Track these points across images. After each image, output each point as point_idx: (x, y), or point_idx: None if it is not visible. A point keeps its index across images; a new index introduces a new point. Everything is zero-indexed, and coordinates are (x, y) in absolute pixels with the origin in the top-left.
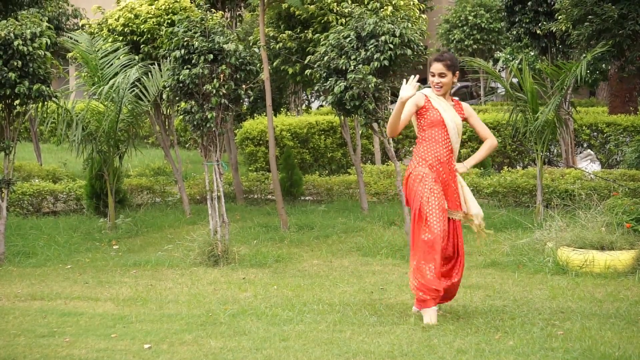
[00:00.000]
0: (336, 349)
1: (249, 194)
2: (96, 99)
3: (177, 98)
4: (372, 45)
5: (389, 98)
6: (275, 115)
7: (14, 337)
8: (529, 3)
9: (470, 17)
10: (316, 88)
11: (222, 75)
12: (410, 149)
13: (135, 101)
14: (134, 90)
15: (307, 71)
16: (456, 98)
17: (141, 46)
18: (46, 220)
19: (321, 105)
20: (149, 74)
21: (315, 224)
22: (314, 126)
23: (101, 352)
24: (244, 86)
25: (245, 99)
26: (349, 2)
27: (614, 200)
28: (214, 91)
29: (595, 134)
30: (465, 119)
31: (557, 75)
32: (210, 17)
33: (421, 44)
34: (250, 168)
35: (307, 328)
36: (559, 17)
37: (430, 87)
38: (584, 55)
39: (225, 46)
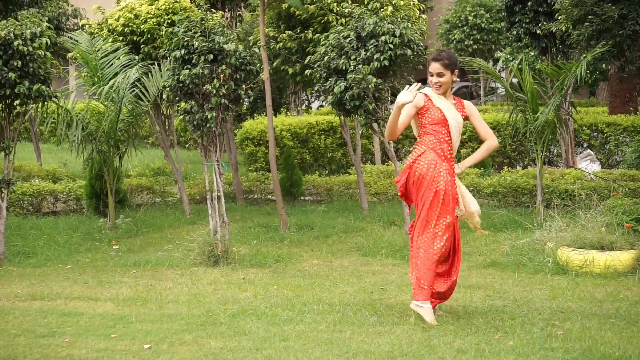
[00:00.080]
0: (336, 349)
1: (249, 194)
2: (96, 99)
3: (177, 98)
4: (372, 46)
5: (389, 98)
6: (275, 115)
7: (14, 337)
8: (529, 3)
9: (470, 17)
10: (316, 88)
11: (222, 75)
12: (411, 149)
13: (135, 101)
14: (134, 90)
15: (307, 71)
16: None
17: (141, 46)
18: (46, 220)
19: (321, 106)
20: (149, 74)
21: (315, 224)
22: (314, 126)
23: (101, 352)
24: (244, 86)
25: (245, 99)
26: (349, 2)
27: (614, 200)
28: (214, 91)
29: (595, 134)
30: (466, 118)
31: (557, 75)
32: (210, 17)
33: (421, 44)
34: (250, 168)
35: (307, 328)
36: (559, 17)
37: (429, 86)
38: (584, 55)
39: (225, 46)
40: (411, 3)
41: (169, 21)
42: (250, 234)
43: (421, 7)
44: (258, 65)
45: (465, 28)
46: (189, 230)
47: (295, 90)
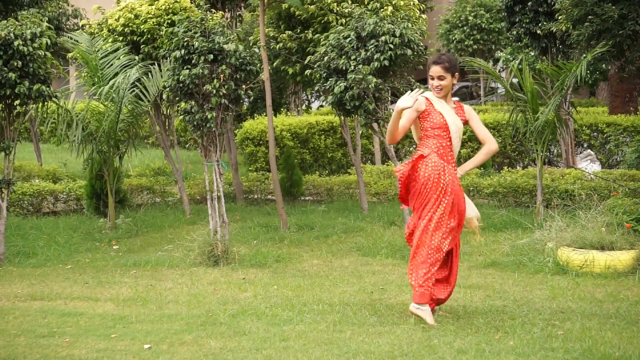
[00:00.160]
0: (336, 349)
1: (249, 194)
2: (96, 99)
3: (177, 98)
4: (372, 46)
5: (389, 98)
6: (275, 115)
7: (14, 337)
8: (529, 3)
9: (470, 17)
10: (316, 88)
11: (222, 76)
12: (411, 149)
13: (135, 101)
14: (134, 91)
15: (307, 71)
16: (456, 99)
17: (141, 46)
18: (46, 220)
19: (321, 106)
20: (149, 74)
21: (315, 224)
22: (314, 126)
23: (101, 353)
24: (244, 86)
25: (245, 99)
26: (349, 2)
27: (614, 200)
28: (214, 91)
29: (595, 134)
30: (466, 122)
31: (557, 76)
32: (210, 17)
33: (421, 44)
34: (250, 168)
35: (307, 328)
36: (559, 17)
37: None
38: (584, 55)
39: (225, 46)
40: (411, 3)
41: (169, 21)
42: (250, 234)
43: (421, 7)
44: (258, 65)
45: (465, 28)
46: (189, 230)
47: (295, 91)
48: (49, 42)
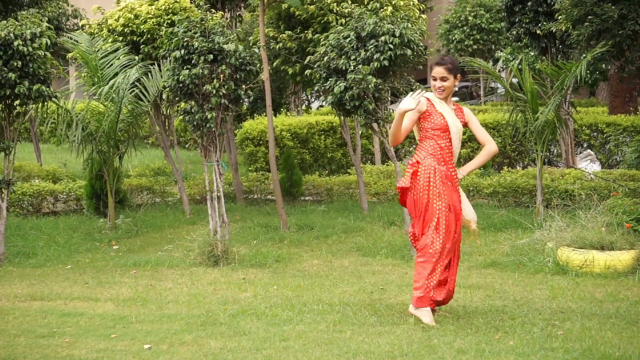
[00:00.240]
0: (336, 349)
1: (249, 194)
2: (96, 99)
3: (177, 98)
4: (372, 46)
5: (389, 98)
6: (275, 115)
7: (14, 338)
8: (529, 3)
9: (470, 18)
10: (316, 88)
11: (222, 76)
12: (410, 149)
13: (135, 101)
14: (133, 91)
15: (307, 71)
16: (456, 99)
17: (141, 46)
18: (46, 220)
19: (321, 106)
20: (149, 74)
21: (315, 224)
22: (314, 126)
23: (101, 353)
24: (244, 86)
25: (245, 99)
26: (349, 2)
27: (614, 200)
28: (214, 91)
29: (595, 134)
30: (465, 124)
31: (557, 76)
32: (210, 17)
33: (421, 44)
34: (250, 168)
35: (307, 328)
36: (559, 17)
37: (430, 90)
38: (584, 55)
39: (225, 46)
40: (411, 3)
41: (169, 21)
42: (250, 234)
43: (421, 7)
44: (258, 65)
45: (465, 28)
46: (189, 231)
47: (295, 91)
48: (48, 42)
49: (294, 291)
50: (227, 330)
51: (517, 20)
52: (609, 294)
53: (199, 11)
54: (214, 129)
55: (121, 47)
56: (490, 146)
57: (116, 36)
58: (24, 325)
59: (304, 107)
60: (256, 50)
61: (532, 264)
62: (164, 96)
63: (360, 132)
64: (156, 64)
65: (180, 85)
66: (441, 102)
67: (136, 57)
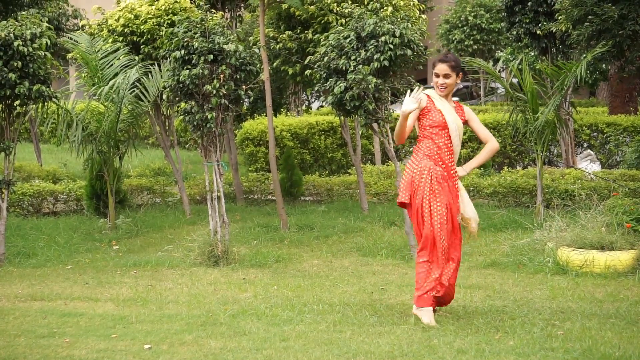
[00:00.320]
0: (336, 349)
1: (249, 194)
2: (96, 100)
3: (177, 98)
4: (372, 46)
5: (389, 98)
6: (275, 115)
7: (14, 338)
8: (529, 3)
9: (470, 18)
10: (316, 88)
11: (222, 76)
12: (411, 149)
13: (135, 102)
14: (134, 91)
15: (307, 71)
16: (456, 99)
17: (141, 47)
18: (46, 220)
19: (321, 106)
20: (149, 74)
21: (315, 224)
22: (314, 126)
23: (101, 353)
24: (244, 86)
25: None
26: (349, 2)
27: (614, 200)
28: (214, 91)
29: (595, 134)
30: (465, 122)
31: (557, 76)
32: (210, 17)
33: (421, 44)
34: (250, 168)
35: (307, 328)
36: (559, 18)
37: (431, 87)
38: (584, 55)
39: (225, 47)
40: (411, 3)
41: (169, 22)
42: (250, 234)
43: (421, 7)
44: (258, 65)
45: (465, 28)
46: (189, 231)
47: (295, 91)
48: (48, 42)
49: (294, 291)
50: (227, 331)
51: (517, 20)
52: (609, 294)
53: (199, 11)
54: (214, 129)
55: (121, 47)
56: (492, 144)
57: (116, 36)
58: (24, 325)
59: (304, 107)
60: (256, 50)
61: (532, 264)
62: (164, 96)
63: (360, 132)
64: (156, 64)
65: (181, 85)
66: (441, 99)
67: (136, 58)
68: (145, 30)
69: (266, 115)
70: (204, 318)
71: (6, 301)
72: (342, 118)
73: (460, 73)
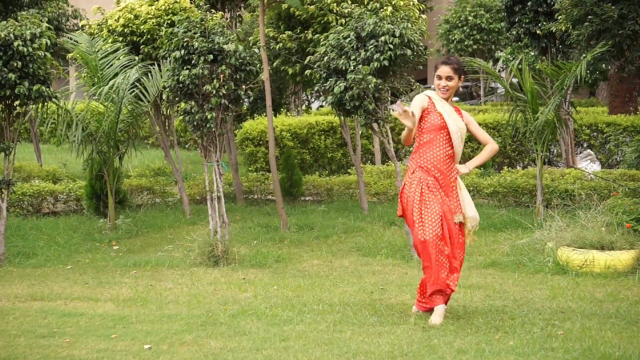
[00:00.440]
0: (336, 349)
1: (249, 194)
2: (96, 100)
3: (177, 98)
4: (372, 46)
5: (389, 98)
6: (275, 115)
7: (14, 338)
8: (529, 3)
9: (470, 18)
10: (316, 88)
11: (222, 76)
12: (411, 149)
13: (135, 102)
14: (133, 91)
15: (307, 71)
16: (456, 99)
17: (141, 47)
18: (46, 220)
19: (321, 106)
20: (149, 74)
21: (315, 224)
22: (314, 126)
23: (101, 353)
24: (243, 86)
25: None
26: (349, 2)
27: (614, 200)
28: (214, 92)
29: (595, 134)
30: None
31: (557, 75)
32: (210, 17)
33: (421, 44)
34: (250, 168)
35: (307, 328)
36: (559, 17)
37: (432, 88)
38: (584, 55)
39: (225, 47)
40: (411, 3)
41: (169, 22)
42: (250, 234)
43: (421, 7)
44: (258, 65)
45: (465, 28)
46: (189, 231)
47: (295, 91)
48: (48, 42)
49: (294, 291)
50: (227, 331)
51: (517, 20)
52: (609, 294)
53: (199, 11)
54: (214, 129)
55: (121, 47)
56: (492, 145)
57: (116, 36)
58: (24, 325)
59: (304, 107)
60: (256, 50)
61: (532, 264)
62: (164, 96)
63: (360, 132)
64: (156, 64)
65: (180, 85)
66: (442, 102)
67: (136, 58)
68: (145, 30)
69: (266, 115)
70: (204, 318)
71: (6, 301)
72: (342, 118)
73: (462, 76)
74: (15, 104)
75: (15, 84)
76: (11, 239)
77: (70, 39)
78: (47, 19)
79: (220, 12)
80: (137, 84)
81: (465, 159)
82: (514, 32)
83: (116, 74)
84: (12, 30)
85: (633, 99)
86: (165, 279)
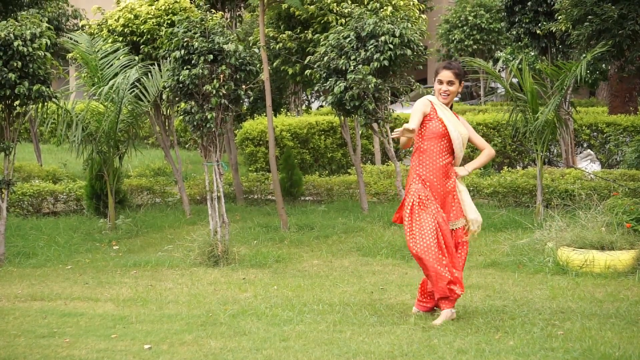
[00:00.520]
0: (336, 349)
1: (249, 194)
2: (96, 100)
3: (177, 98)
4: (372, 46)
5: (389, 98)
6: (275, 115)
7: (14, 338)
8: (529, 3)
9: (470, 17)
10: (316, 88)
11: (222, 76)
12: (411, 149)
13: (135, 102)
14: (133, 91)
15: (307, 71)
16: (456, 99)
17: (141, 47)
18: (46, 220)
19: (321, 106)
20: (149, 74)
21: (315, 224)
22: (314, 126)
23: (101, 353)
24: (243, 86)
25: (245, 100)
26: (349, 2)
27: (614, 200)
28: (214, 91)
29: (595, 134)
30: None
31: (557, 75)
32: (210, 17)
33: (421, 44)
34: (250, 168)
35: (307, 328)
36: (559, 17)
37: (431, 90)
38: (584, 55)
39: (225, 46)
40: (411, 3)
41: (169, 22)
42: (250, 234)
43: (421, 7)
44: (258, 65)
45: (465, 28)
46: (189, 231)
47: (295, 91)
48: (48, 42)
49: (294, 291)
50: (227, 330)
51: (517, 20)
52: (609, 294)
53: (199, 11)
54: (214, 129)
55: (121, 47)
56: (489, 150)
57: (116, 36)
58: (24, 325)
59: (304, 107)
60: (256, 50)
61: (532, 264)
62: (164, 96)
63: (360, 132)
64: (156, 64)
65: (180, 85)
66: (443, 108)
67: (136, 58)
68: (145, 30)
69: (266, 115)
70: (204, 318)
71: (6, 301)
72: (342, 118)
73: (463, 82)
74: (15, 104)
75: (15, 84)
76: (11, 239)
77: (70, 39)
78: (47, 19)
79: (220, 12)
80: (137, 84)
81: (465, 159)
82: (514, 32)
83: (116, 74)
84: (12, 30)
85: (633, 99)
86: (165, 279)
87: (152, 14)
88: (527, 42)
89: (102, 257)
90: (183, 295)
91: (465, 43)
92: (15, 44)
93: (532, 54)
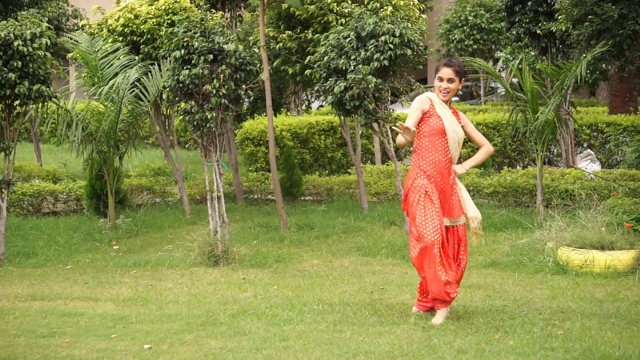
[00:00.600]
0: (336, 349)
1: (249, 194)
2: (96, 100)
3: (177, 98)
4: (372, 46)
5: (389, 98)
6: (275, 115)
7: (14, 338)
8: (529, 3)
9: (470, 17)
10: (316, 88)
11: (222, 76)
12: (410, 148)
13: (135, 101)
14: (133, 91)
15: (307, 71)
16: (456, 99)
17: (141, 46)
18: (46, 220)
19: (321, 106)
20: (149, 74)
21: (315, 224)
22: (314, 126)
23: (101, 353)
24: (244, 86)
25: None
26: (349, 2)
27: (614, 200)
28: (214, 91)
29: (595, 134)
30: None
31: (557, 75)
32: (210, 17)
33: (421, 44)
34: (250, 168)
35: (307, 328)
36: (559, 17)
37: (431, 89)
38: (584, 55)
39: (225, 46)
40: (411, 3)
41: (169, 21)
42: (250, 234)
43: (421, 7)
44: (258, 65)
45: (465, 28)
46: (189, 231)
47: (295, 90)
48: (48, 42)
49: (294, 291)
50: (227, 330)
51: (517, 20)
52: (609, 294)
53: (199, 11)
54: (214, 129)
55: (121, 47)
56: (487, 146)
57: (116, 36)
58: (24, 325)
59: (304, 107)
60: (256, 50)
61: (532, 264)
62: (164, 96)
63: (360, 132)
64: (156, 64)
65: (180, 85)
66: (442, 105)
67: (136, 57)
68: (145, 30)
69: (266, 115)
70: (204, 318)
71: (6, 301)
72: (342, 118)
73: (463, 79)
74: (15, 104)
75: (15, 84)
76: (11, 238)
77: (70, 38)
78: (47, 18)
79: (220, 12)
80: (137, 84)
81: (464, 159)
82: (514, 32)
83: (116, 74)
84: (12, 30)
85: (633, 99)
86: (165, 278)
87: (152, 13)
88: (527, 42)
89: (102, 257)
90: (183, 295)
91: (466, 43)
92: (15, 43)
93: (532, 53)
